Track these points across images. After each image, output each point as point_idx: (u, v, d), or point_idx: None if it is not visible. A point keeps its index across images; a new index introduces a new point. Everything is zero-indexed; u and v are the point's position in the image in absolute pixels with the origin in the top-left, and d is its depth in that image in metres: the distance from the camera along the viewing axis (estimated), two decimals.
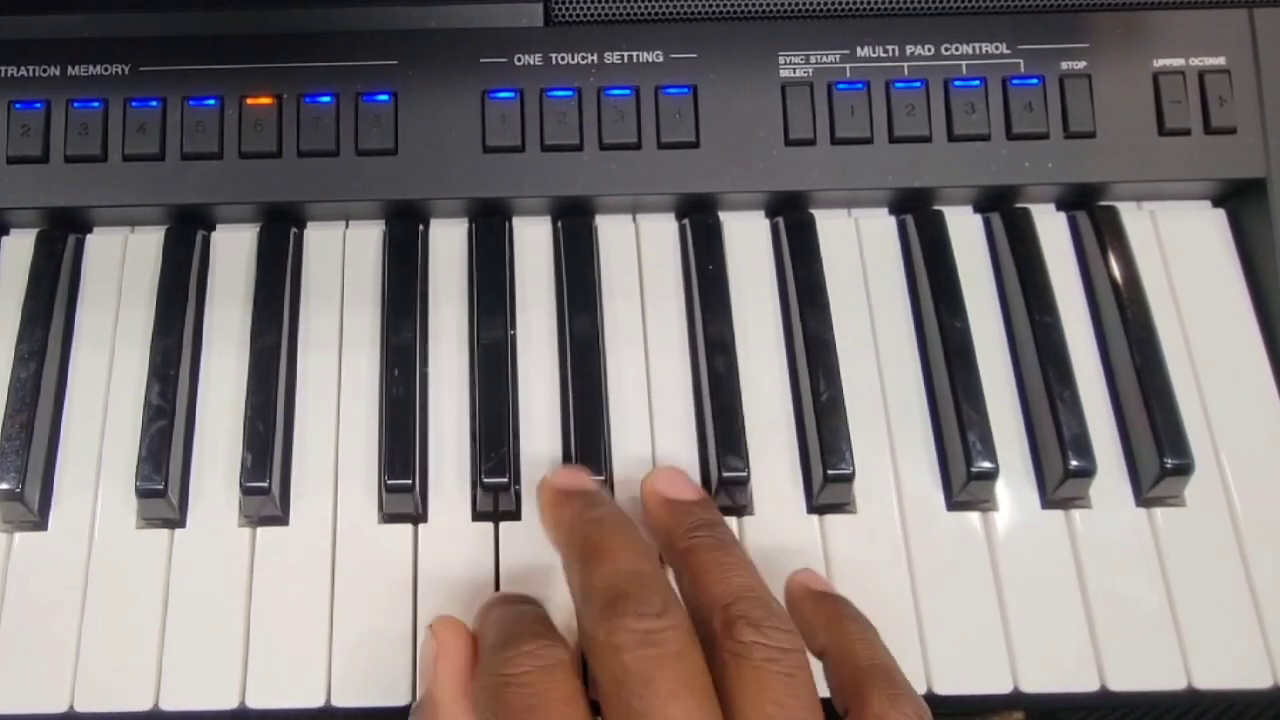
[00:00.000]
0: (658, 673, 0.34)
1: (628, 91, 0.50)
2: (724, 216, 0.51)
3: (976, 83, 0.50)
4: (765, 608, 0.37)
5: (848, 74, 0.51)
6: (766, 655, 0.35)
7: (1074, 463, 0.45)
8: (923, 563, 0.45)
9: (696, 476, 0.46)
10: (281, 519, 0.45)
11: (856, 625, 0.40)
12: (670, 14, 0.52)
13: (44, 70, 0.50)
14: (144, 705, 0.43)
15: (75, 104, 0.49)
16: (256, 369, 0.47)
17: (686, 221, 0.51)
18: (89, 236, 0.51)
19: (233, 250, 0.51)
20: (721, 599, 0.37)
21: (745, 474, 0.45)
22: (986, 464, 0.45)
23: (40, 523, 0.45)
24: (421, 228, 0.51)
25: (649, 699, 0.33)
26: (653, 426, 0.47)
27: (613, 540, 0.39)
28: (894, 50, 0.51)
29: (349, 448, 0.47)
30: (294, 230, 0.51)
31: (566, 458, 0.46)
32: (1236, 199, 0.52)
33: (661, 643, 0.34)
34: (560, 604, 0.43)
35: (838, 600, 0.41)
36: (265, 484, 0.44)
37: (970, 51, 0.51)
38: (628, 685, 0.34)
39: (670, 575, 0.40)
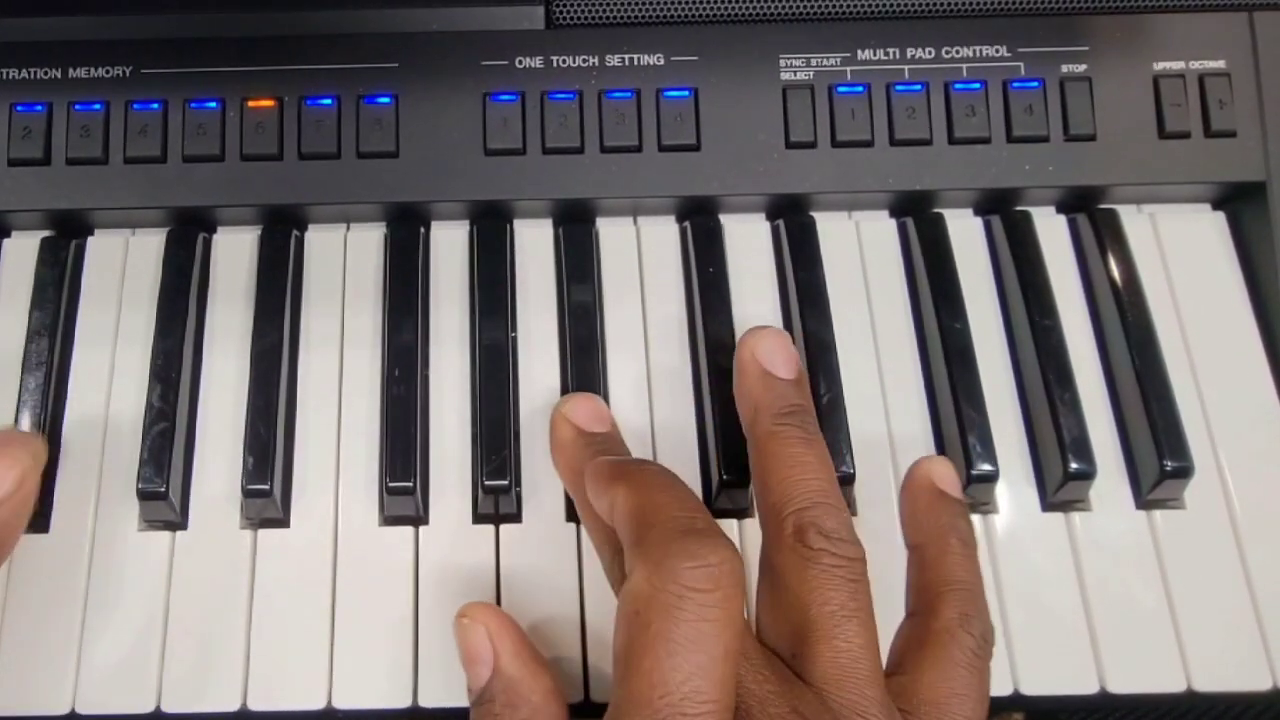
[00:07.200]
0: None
1: (629, 94, 0.50)
2: (725, 219, 0.51)
3: (977, 85, 0.51)
4: (837, 518, 0.38)
5: (848, 77, 0.51)
6: (834, 562, 0.37)
7: (1074, 465, 0.45)
8: None
9: (696, 481, 0.46)
10: (283, 521, 0.45)
11: (959, 540, 0.41)
12: (671, 17, 0.52)
13: (45, 72, 0.50)
14: (145, 708, 0.43)
15: (77, 106, 0.49)
16: (258, 371, 0.47)
17: (687, 224, 0.51)
18: (90, 239, 0.51)
19: (234, 252, 0.51)
20: (796, 501, 0.39)
21: (745, 478, 0.45)
22: (987, 466, 0.45)
23: (42, 525, 0.45)
24: (423, 230, 0.51)
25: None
26: (653, 428, 0.47)
27: (658, 494, 0.37)
28: (894, 53, 0.51)
29: (350, 450, 0.47)
30: (295, 232, 0.51)
31: None
32: (1236, 202, 0.52)
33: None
34: (558, 614, 0.43)
35: (953, 507, 0.42)
36: (267, 486, 0.44)
37: (971, 54, 0.51)
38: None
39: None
